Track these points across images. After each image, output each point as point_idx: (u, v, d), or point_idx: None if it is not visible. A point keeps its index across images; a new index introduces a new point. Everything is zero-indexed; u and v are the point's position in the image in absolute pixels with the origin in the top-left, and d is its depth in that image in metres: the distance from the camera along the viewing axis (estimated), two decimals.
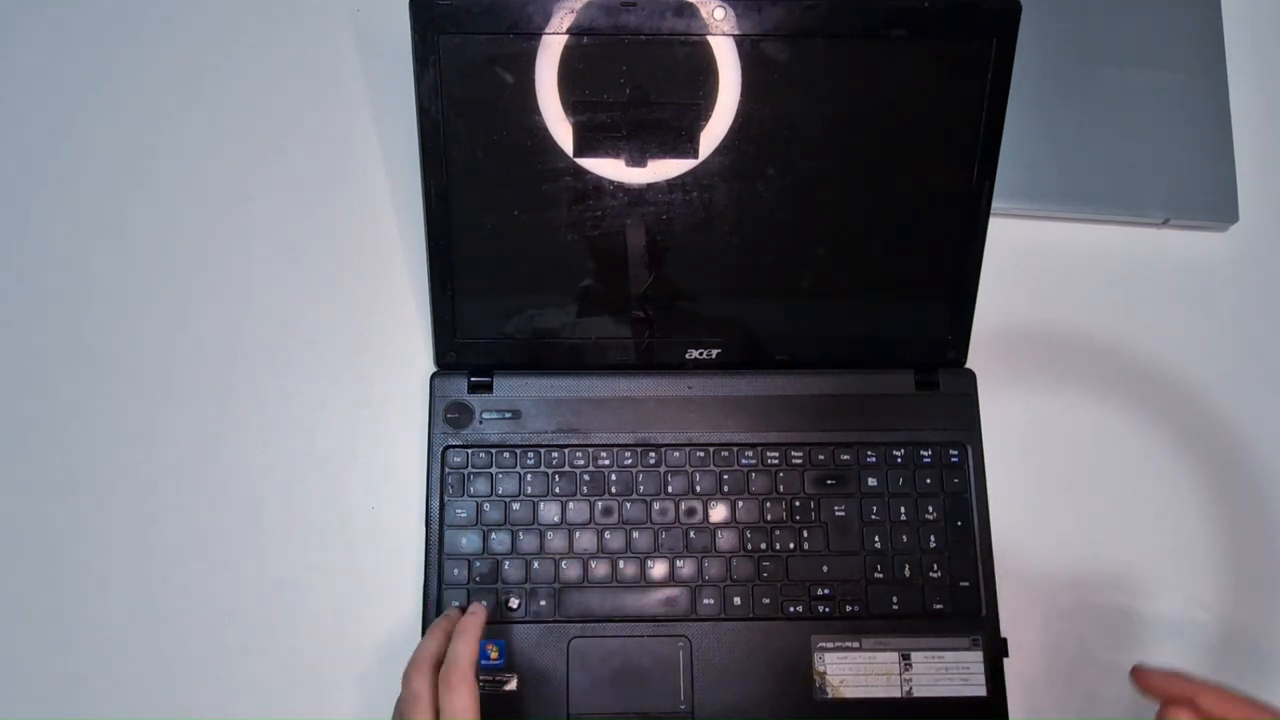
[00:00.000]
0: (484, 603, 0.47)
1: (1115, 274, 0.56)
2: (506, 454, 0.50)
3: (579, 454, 0.50)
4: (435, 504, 0.50)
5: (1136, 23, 0.57)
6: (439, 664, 0.43)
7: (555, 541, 0.49)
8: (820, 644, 0.49)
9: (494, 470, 0.50)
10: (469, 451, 0.50)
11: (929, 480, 0.51)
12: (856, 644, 0.49)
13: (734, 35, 0.45)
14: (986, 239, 0.49)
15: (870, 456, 0.51)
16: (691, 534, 0.50)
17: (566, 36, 0.45)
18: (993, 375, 0.53)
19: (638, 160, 0.47)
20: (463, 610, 0.47)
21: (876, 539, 0.50)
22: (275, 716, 0.48)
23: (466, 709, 0.41)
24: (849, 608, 0.49)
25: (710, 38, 0.45)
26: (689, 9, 0.45)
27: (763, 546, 0.50)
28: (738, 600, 0.49)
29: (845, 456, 0.51)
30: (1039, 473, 0.53)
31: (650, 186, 0.48)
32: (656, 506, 0.50)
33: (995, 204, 0.49)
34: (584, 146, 0.47)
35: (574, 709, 0.47)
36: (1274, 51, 0.59)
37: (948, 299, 0.51)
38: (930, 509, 0.50)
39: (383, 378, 0.53)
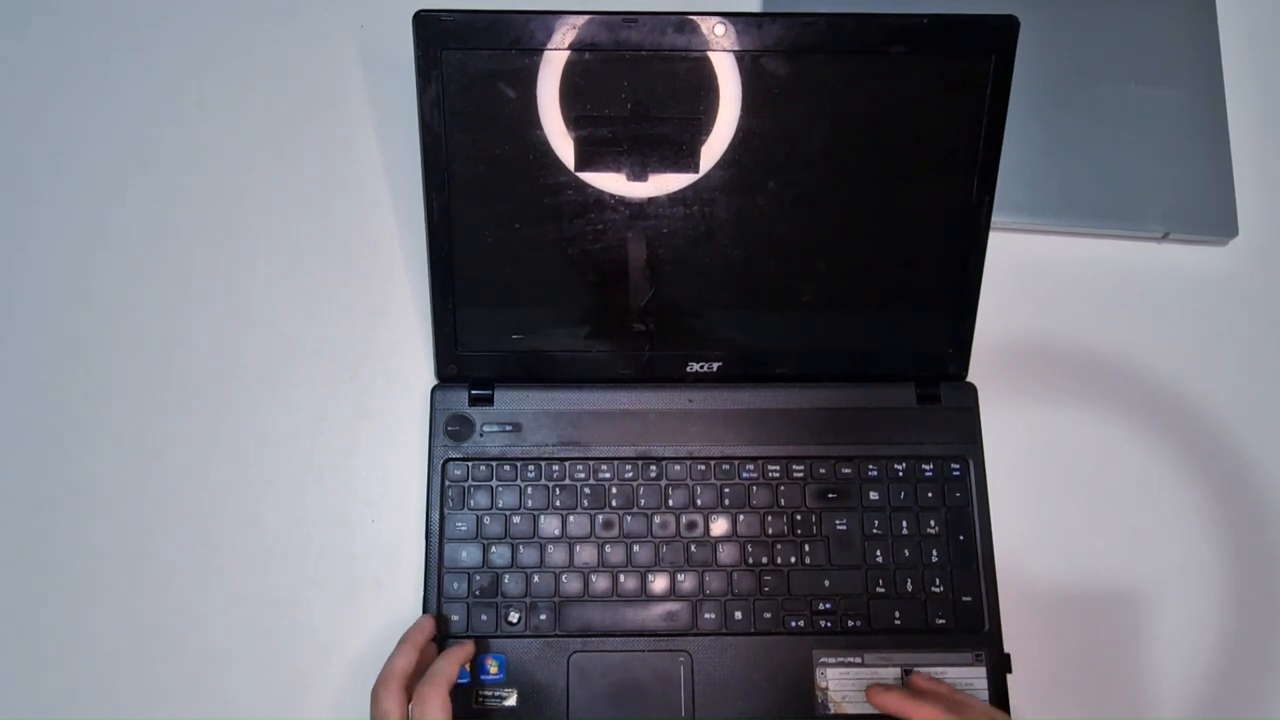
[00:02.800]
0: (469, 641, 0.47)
1: (1115, 288, 0.56)
2: (507, 467, 0.50)
3: (579, 467, 0.50)
4: (435, 517, 0.49)
5: (1134, 38, 0.57)
6: (409, 681, 0.43)
7: (555, 555, 0.49)
8: (822, 659, 0.48)
9: (494, 483, 0.50)
10: (469, 464, 0.50)
11: (930, 494, 0.51)
12: (859, 659, 0.48)
13: (734, 51, 0.46)
14: (987, 253, 0.50)
15: (871, 470, 0.51)
16: (692, 547, 0.49)
17: (568, 52, 0.45)
18: (994, 389, 0.53)
19: (639, 174, 0.47)
20: (436, 622, 0.47)
21: (878, 553, 0.50)
22: None
23: None
24: (851, 622, 0.49)
25: (711, 53, 0.46)
26: (690, 25, 0.45)
27: (764, 560, 0.49)
28: (739, 614, 0.49)
29: (846, 470, 0.51)
30: (1040, 486, 0.53)
31: (651, 201, 0.48)
32: (657, 520, 0.50)
33: (995, 218, 0.50)
34: (585, 161, 0.47)
35: None
36: (1271, 65, 0.60)
37: (949, 312, 0.51)
38: (932, 523, 0.50)
39: (383, 390, 0.53)
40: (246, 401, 0.52)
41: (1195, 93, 0.57)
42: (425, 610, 0.48)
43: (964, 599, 0.49)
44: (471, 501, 0.50)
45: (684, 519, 0.50)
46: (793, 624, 0.49)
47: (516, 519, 0.50)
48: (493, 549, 0.49)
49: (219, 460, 0.51)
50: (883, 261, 0.50)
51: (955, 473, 0.51)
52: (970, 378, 0.52)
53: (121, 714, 0.48)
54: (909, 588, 0.49)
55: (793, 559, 0.49)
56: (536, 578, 0.49)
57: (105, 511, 0.51)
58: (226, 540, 0.50)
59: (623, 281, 0.49)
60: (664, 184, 0.47)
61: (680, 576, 0.49)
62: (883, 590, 0.49)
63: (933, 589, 0.49)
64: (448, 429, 0.51)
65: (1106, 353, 0.55)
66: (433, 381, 0.52)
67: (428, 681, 0.42)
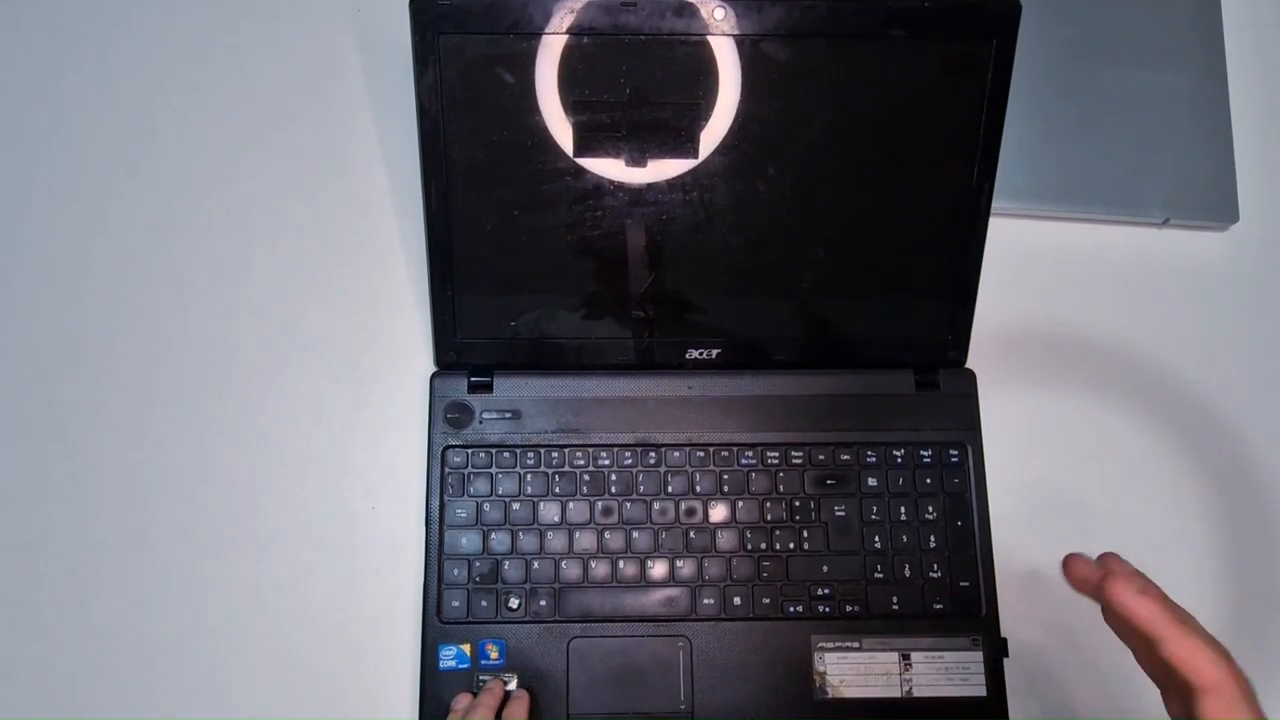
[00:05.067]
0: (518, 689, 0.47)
1: (1115, 274, 0.56)
2: (506, 454, 0.50)
3: (579, 454, 0.50)
4: (435, 504, 0.50)
5: (1137, 22, 0.57)
6: None
7: (555, 541, 0.49)
8: (820, 644, 0.49)
9: (494, 470, 0.50)
10: (469, 451, 0.50)
11: (929, 480, 0.51)
12: (856, 644, 0.49)
13: (734, 35, 0.45)
14: (987, 239, 0.49)
15: (870, 456, 0.51)
16: (691, 534, 0.50)
17: (566, 36, 0.45)
18: (993, 375, 0.53)
19: (638, 160, 0.47)
20: (504, 686, 0.47)
21: (876, 539, 0.50)
22: (275, 717, 0.48)
23: None
24: (849, 608, 0.49)
25: (710, 38, 0.45)
26: (689, 9, 0.45)
27: (763, 546, 0.50)
28: (738, 600, 0.49)
29: (845, 456, 0.51)
30: (1039, 472, 0.53)
31: (650, 186, 0.47)
32: (656, 506, 0.50)
33: (995, 204, 0.49)
34: (584, 146, 0.47)
35: (574, 709, 0.47)
36: (1274, 51, 0.59)
37: (948, 299, 0.51)
38: (930, 509, 0.50)
39: (383, 378, 0.53)
40: (245, 390, 0.52)
41: (1197, 78, 0.56)
42: (425, 598, 0.48)
43: (961, 584, 0.49)
44: (471, 488, 0.50)
45: (683, 505, 0.50)
46: (791, 609, 0.49)
47: (516, 506, 0.50)
48: (493, 535, 0.49)
49: (218, 449, 0.52)
50: (882, 247, 0.50)
51: (954, 459, 0.51)
52: (969, 364, 0.52)
53: (121, 703, 0.48)
54: (907, 573, 0.49)
55: (791, 545, 0.50)
56: (536, 564, 0.49)
57: (104, 502, 0.51)
58: (226, 529, 0.50)
59: (622, 268, 0.49)
60: (663, 170, 0.47)
61: (679, 563, 0.49)
62: (881, 576, 0.49)
63: (930, 574, 0.49)
64: (447, 416, 0.51)
65: (1106, 339, 0.55)
66: (432, 369, 0.52)
67: None
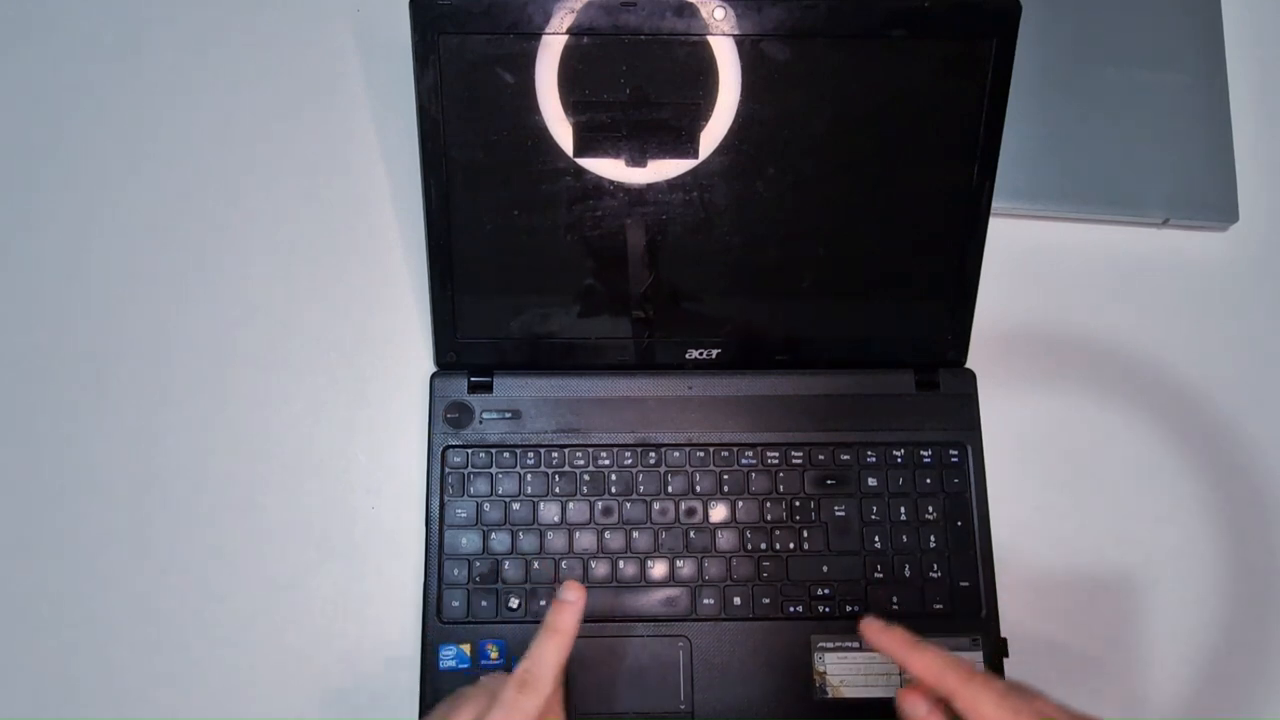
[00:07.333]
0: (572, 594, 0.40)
1: (1115, 274, 0.56)
2: (506, 454, 0.50)
3: (579, 454, 0.50)
4: (435, 504, 0.50)
5: (1137, 22, 0.57)
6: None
7: (555, 541, 0.49)
8: (820, 644, 0.49)
9: (494, 470, 0.50)
10: (469, 451, 0.50)
11: (929, 480, 0.51)
12: (856, 644, 0.49)
13: (734, 35, 0.45)
14: (986, 239, 0.49)
15: (870, 456, 0.51)
16: (691, 534, 0.50)
17: (566, 36, 0.45)
18: (993, 375, 0.53)
19: (638, 160, 0.47)
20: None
21: (876, 539, 0.50)
22: (275, 717, 0.48)
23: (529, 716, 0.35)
24: (849, 608, 0.49)
25: (710, 37, 0.45)
26: (689, 9, 0.45)
27: (763, 546, 0.50)
28: (738, 600, 0.49)
29: (845, 456, 0.51)
30: (1039, 472, 0.53)
31: (650, 186, 0.48)
32: (656, 506, 0.50)
33: (995, 204, 0.49)
34: (584, 146, 0.47)
35: (574, 709, 0.47)
36: (1274, 51, 0.59)
37: (948, 299, 0.51)
38: (930, 509, 0.50)
39: (383, 378, 0.53)
40: (246, 390, 0.52)
41: (1198, 78, 0.56)
42: (425, 598, 0.48)
43: (961, 584, 0.49)
44: (471, 488, 0.50)
45: (683, 505, 0.50)
46: (791, 609, 0.49)
47: (516, 506, 0.50)
48: (493, 535, 0.49)
49: (219, 449, 0.52)
50: (882, 247, 0.50)
51: (954, 459, 0.51)
52: (969, 364, 0.52)
53: (121, 702, 0.48)
54: (907, 573, 0.49)
55: (791, 545, 0.50)
56: (536, 564, 0.49)
57: (104, 501, 0.51)
58: (227, 529, 0.50)
59: (622, 268, 0.49)
60: (663, 170, 0.47)
61: (679, 563, 0.49)
62: (881, 575, 0.49)
63: (931, 574, 0.50)
64: (447, 416, 0.51)
65: (1106, 339, 0.55)
66: (432, 369, 0.52)
67: (526, 665, 0.38)
